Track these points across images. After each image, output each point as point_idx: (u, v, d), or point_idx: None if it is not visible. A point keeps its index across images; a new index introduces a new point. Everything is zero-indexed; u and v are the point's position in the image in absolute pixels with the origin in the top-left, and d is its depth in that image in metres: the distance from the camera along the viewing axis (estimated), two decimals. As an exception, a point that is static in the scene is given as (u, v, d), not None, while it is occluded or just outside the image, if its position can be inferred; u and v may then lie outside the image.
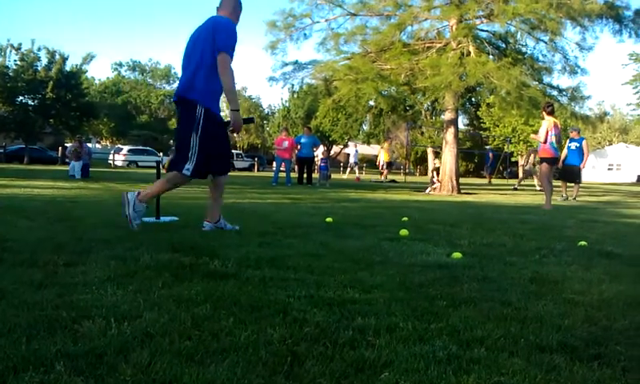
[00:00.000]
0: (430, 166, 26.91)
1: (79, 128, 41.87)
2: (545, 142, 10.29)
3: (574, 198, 13.71)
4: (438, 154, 20.43)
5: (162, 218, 5.48)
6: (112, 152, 43.64)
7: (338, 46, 16.59)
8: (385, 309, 2.41)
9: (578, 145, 14.24)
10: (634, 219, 8.47)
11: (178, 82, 4.89)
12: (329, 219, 5.91)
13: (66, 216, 5.71)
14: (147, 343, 1.86)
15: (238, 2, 4.92)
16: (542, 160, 10.63)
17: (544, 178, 10.62)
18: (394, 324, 2.18)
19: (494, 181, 30.29)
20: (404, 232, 4.97)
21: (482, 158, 39.77)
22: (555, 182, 10.68)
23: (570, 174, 14.30)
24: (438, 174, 16.84)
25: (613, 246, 4.74)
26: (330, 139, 54.45)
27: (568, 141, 14.56)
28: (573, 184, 14.43)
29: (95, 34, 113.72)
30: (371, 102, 20.20)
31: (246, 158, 50.02)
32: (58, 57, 39.99)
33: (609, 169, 56.96)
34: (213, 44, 4.52)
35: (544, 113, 10.54)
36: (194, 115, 4.55)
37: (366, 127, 56.87)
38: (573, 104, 16.12)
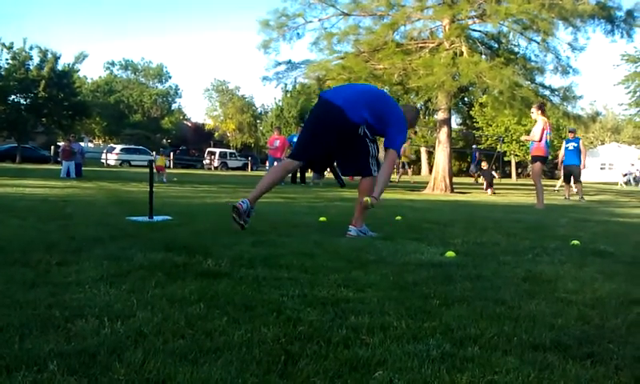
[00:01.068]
0: (424, 167, 26.85)
1: (71, 127, 41.75)
2: (540, 140, 10.27)
3: (579, 197, 13.77)
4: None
5: (155, 218, 5.47)
6: (104, 151, 43.49)
7: (331, 46, 16.61)
8: (378, 308, 2.41)
9: (575, 145, 14.35)
10: (626, 218, 8.51)
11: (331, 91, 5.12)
12: (322, 218, 5.91)
13: (59, 215, 5.68)
14: (141, 342, 1.85)
15: (418, 115, 5.75)
16: (537, 159, 10.56)
17: (537, 176, 10.60)
18: (388, 323, 2.18)
19: (482, 180, 30.28)
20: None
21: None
22: (544, 182, 10.64)
23: (570, 174, 14.39)
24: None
25: (605, 244, 4.76)
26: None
27: (564, 142, 14.64)
28: (568, 183, 14.50)
29: (87, 33, 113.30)
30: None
31: (239, 158, 50.00)
32: (50, 56, 39.85)
33: (601, 168, 57.32)
34: (382, 116, 4.82)
35: (538, 112, 10.47)
36: (356, 131, 4.79)
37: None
38: (565, 104, 16.22)
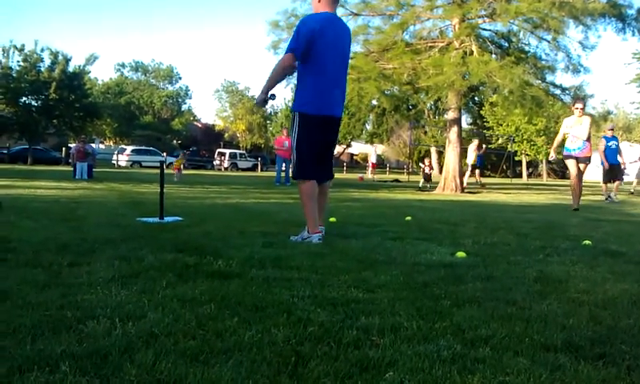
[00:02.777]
0: (434, 166, 26.71)
1: (83, 128, 41.92)
2: (589, 140, 9.41)
3: (615, 196, 13.61)
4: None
5: (166, 218, 5.49)
6: (115, 152, 43.75)
7: (340, 46, 16.57)
8: (389, 308, 2.41)
9: (616, 143, 14.19)
10: (638, 218, 8.44)
11: (332, 98, 4.62)
12: (332, 219, 5.91)
13: (70, 216, 5.72)
14: (152, 343, 1.86)
15: None
16: (588, 160, 9.49)
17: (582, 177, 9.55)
18: (398, 323, 2.17)
19: (494, 181, 30.12)
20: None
21: (484, 157, 39.36)
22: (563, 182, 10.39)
23: (614, 172, 14.20)
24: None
25: (617, 244, 4.72)
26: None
27: (605, 140, 14.30)
28: (611, 182, 14.37)
29: (98, 34, 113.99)
30: (374, 102, 20.21)
31: (249, 158, 50.08)
32: (60, 58, 40.02)
33: (612, 167, 56.85)
34: None
35: (582, 110, 9.41)
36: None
37: (369, 126, 56.91)
38: (576, 103, 16.10)
